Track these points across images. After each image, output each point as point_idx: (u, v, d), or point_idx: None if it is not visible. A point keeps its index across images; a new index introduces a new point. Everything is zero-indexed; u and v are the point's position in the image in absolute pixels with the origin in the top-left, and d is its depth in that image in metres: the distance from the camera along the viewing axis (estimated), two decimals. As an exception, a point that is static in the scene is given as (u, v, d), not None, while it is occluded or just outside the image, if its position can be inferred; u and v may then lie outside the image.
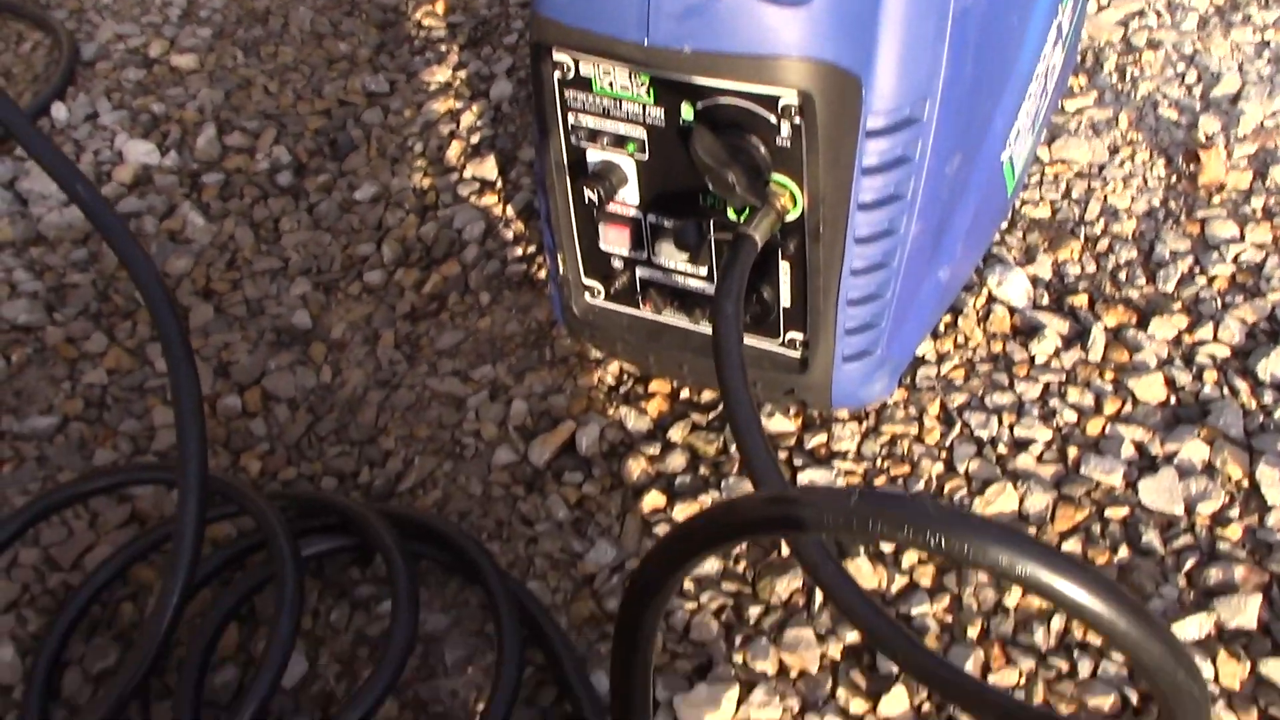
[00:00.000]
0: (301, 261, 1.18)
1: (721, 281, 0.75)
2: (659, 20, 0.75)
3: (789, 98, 0.76)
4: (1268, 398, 0.91)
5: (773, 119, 0.78)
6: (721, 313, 0.73)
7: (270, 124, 1.35)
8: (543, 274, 1.12)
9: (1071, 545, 0.83)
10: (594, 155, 0.86)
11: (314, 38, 1.49)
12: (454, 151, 1.27)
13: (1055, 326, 0.99)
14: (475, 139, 1.28)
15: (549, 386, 1.01)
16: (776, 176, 0.80)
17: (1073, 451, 0.89)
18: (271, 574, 0.84)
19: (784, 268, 0.85)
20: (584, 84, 0.83)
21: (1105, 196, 1.10)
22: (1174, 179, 1.11)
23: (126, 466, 0.94)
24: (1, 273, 1.20)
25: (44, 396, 1.08)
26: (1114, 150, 1.15)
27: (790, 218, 0.81)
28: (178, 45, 1.49)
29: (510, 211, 1.19)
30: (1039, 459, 0.89)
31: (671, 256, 0.88)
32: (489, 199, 1.21)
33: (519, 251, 1.15)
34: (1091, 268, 1.04)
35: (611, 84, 0.82)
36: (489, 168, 1.24)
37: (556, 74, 0.83)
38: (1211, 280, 1.01)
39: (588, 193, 0.86)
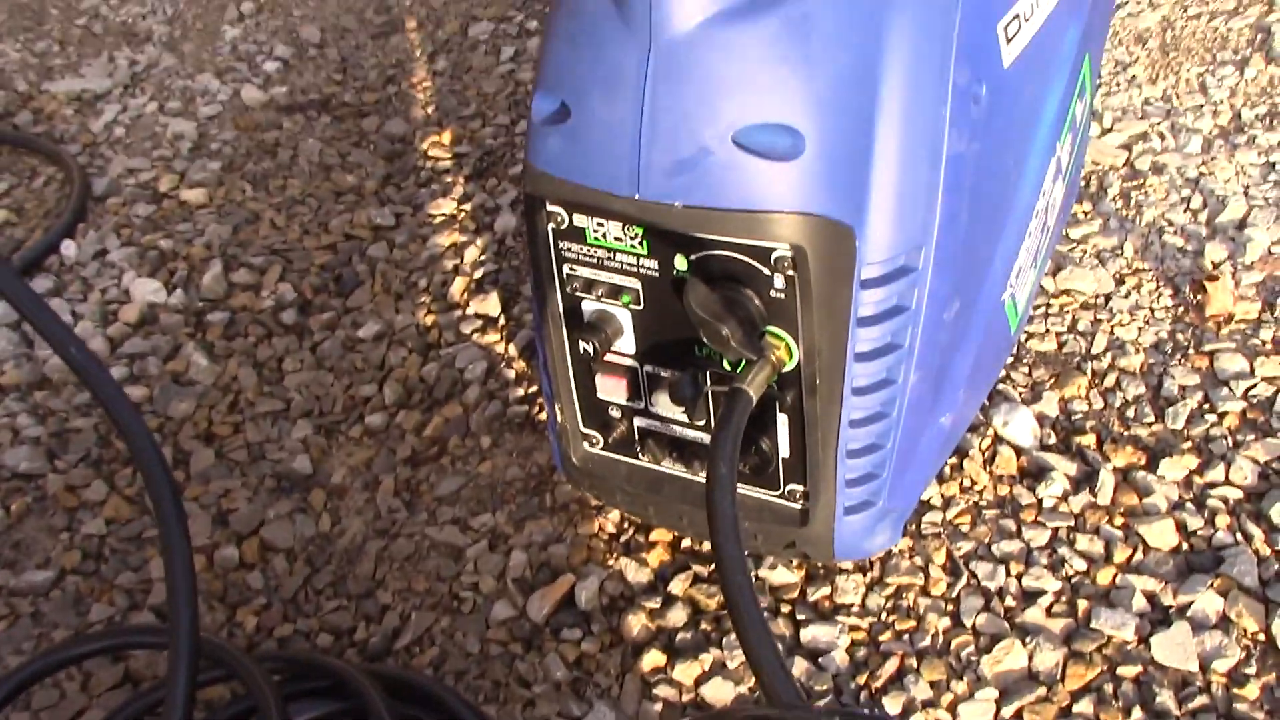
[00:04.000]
0: (304, 403, 1.18)
1: (716, 443, 0.74)
2: (650, 176, 0.75)
3: (782, 250, 0.75)
4: (1284, 543, 0.88)
5: (766, 271, 0.77)
6: (716, 479, 0.72)
7: (276, 260, 1.35)
8: (544, 415, 1.11)
9: (1083, 706, 0.80)
10: (589, 306, 0.86)
11: (322, 169, 1.50)
12: (458, 287, 1.27)
13: (1063, 468, 0.97)
14: (479, 274, 1.28)
15: (549, 535, 1.00)
16: (771, 328, 0.79)
17: (1083, 604, 0.86)
18: (261, 742, 0.82)
19: (782, 419, 0.83)
20: (578, 235, 0.83)
21: (1112, 329, 1.09)
22: (1181, 310, 1.10)
23: (119, 629, 0.92)
24: (5, 417, 1.20)
25: (42, 548, 1.06)
26: (1120, 280, 1.14)
27: (787, 369, 0.80)
28: (187, 179, 1.51)
29: (512, 350, 1.18)
30: (1048, 611, 0.86)
31: (669, 407, 0.87)
32: (492, 336, 1.20)
33: (520, 392, 1.14)
34: (1099, 404, 1.03)
35: (605, 235, 0.81)
36: (492, 304, 1.23)
37: (550, 225, 0.83)
38: (1222, 417, 0.99)
39: (583, 345, 0.86)
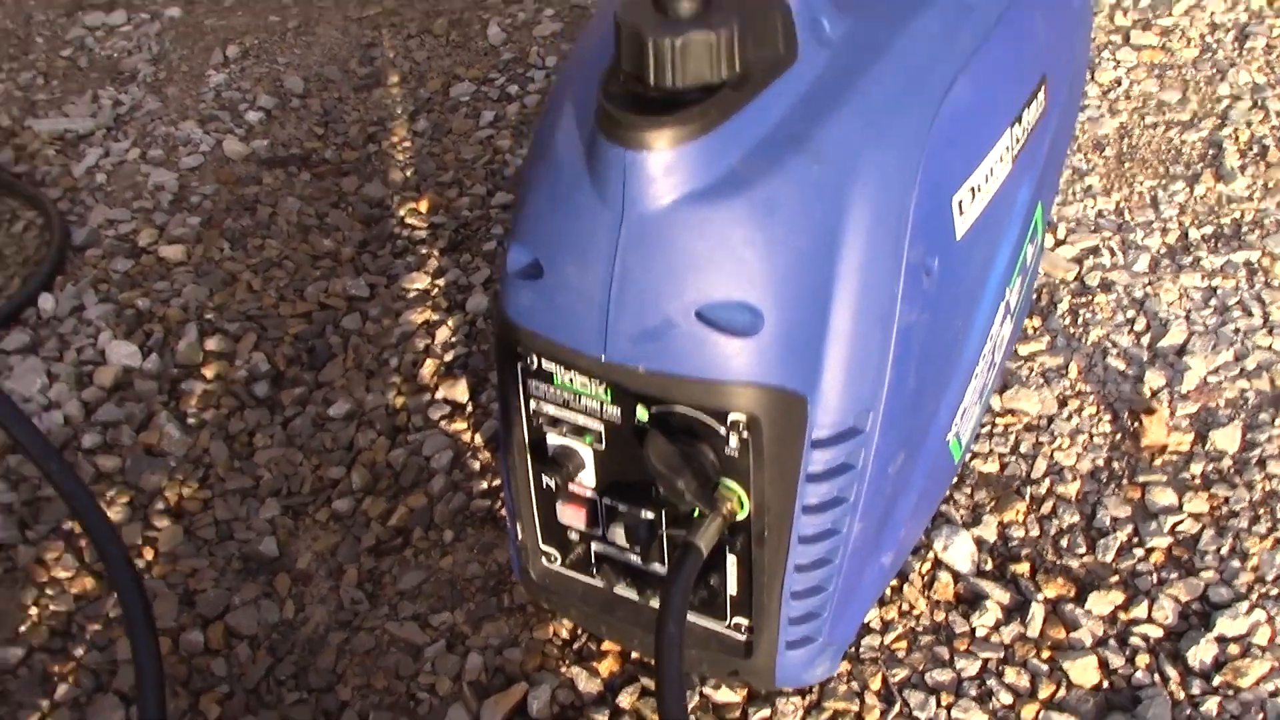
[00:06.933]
0: (273, 481, 1.21)
1: (666, 599, 0.78)
2: (617, 340, 0.79)
3: (738, 415, 0.80)
4: (1196, 688, 0.94)
5: (723, 431, 0.81)
6: (665, 637, 0.76)
7: (251, 326, 1.38)
8: (505, 511, 1.15)
9: (1003, 846, 0.85)
10: (554, 439, 0.90)
11: (300, 230, 1.53)
12: (428, 369, 1.30)
13: (997, 596, 1.02)
14: (449, 356, 1.32)
15: (505, 638, 1.04)
16: (725, 481, 0.83)
17: (1008, 739, 0.91)
18: None
19: (731, 559, 0.88)
20: (546, 376, 0.87)
21: (1052, 453, 1.14)
22: (1119, 437, 1.15)
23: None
24: (-22, 481, 1.23)
25: (12, 622, 1.09)
26: (1063, 402, 1.19)
27: (738, 518, 0.84)
28: (167, 234, 1.53)
29: (479, 440, 1.22)
30: (975, 745, 0.92)
31: (625, 541, 0.91)
32: (459, 424, 1.24)
33: (484, 485, 1.18)
34: (1035, 531, 1.08)
35: (571, 381, 0.85)
36: (460, 390, 1.27)
37: (520, 364, 0.87)
38: (1149, 553, 1.05)
39: (546, 478, 0.90)
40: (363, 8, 1.98)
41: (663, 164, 0.75)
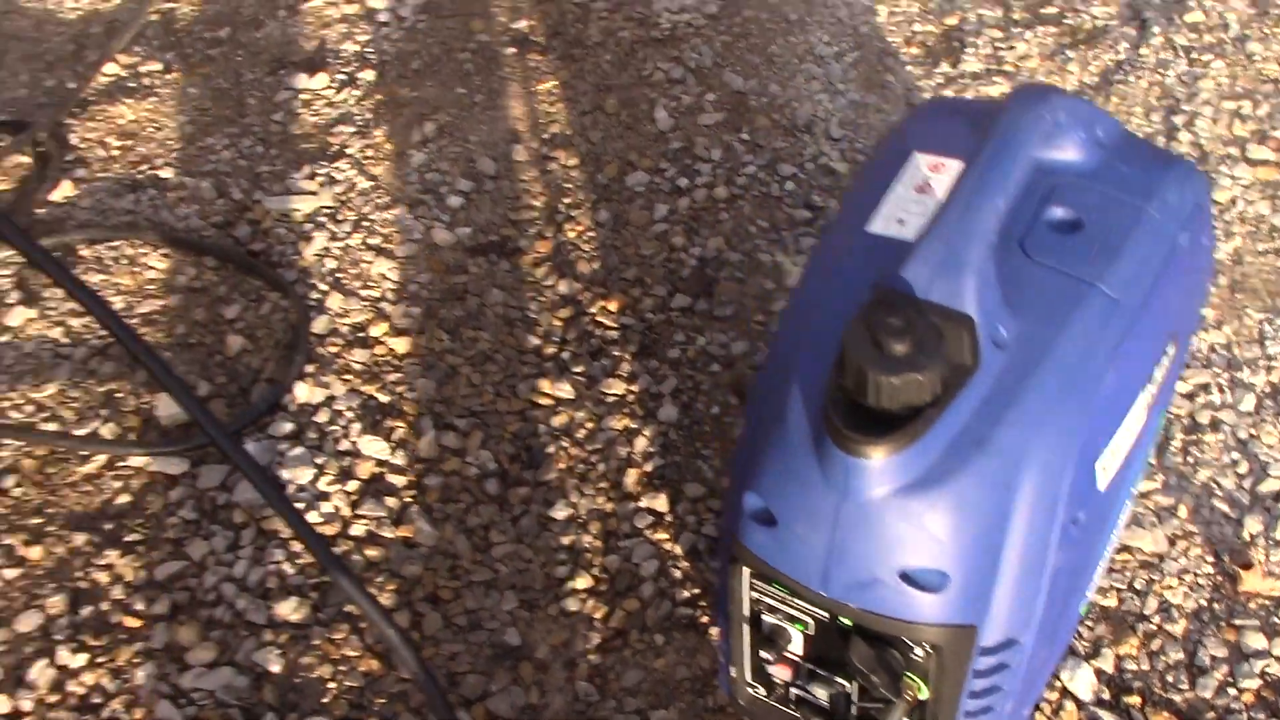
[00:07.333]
0: (509, 576, 1.49)
1: (867, 778, 1.05)
2: (833, 584, 1.04)
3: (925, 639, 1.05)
4: (1273, 823, 1.19)
5: (910, 643, 1.06)
6: (867, 811, 1.03)
7: (477, 423, 1.65)
8: (704, 619, 1.41)
9: None
10: (769, 619, 1.15)
11: (505, 324, 1.78)
12: (631, 478, 1.56)
13: (1113, 726, 1.27)
14: (649, 466, 1.57)
15: (714, 736, 1.31)
16: (909, 675, 1.08)
17: None
18: None
19: (909, 723, 1.14)
20: (767, 579, 1.12)
21: (1162, 591, 1.37)
22: (1220, 579, 1.38)
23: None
24: (272, 564, 1.51)
25: (315, 694, 1.39)
26: (1173, 541, 1.42)
27: (918, 699, 1.10)
28: (394, 324, 1.79)
29: (678, 550, 1.48)
30: None
31: (823, 699, 1.17)
32: (661, 534, 1.50)
33: (685, 594, 1.44)
34: (1146, 665, 1.32)
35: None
36: (661, 502, 1.53)
37: (748, 568, 1.12)
38: (1241, 693, 1.28)
39: (762, 652, 1.16)
40: (539, 80, 2.19)
41: (878, 469, 0.99)
